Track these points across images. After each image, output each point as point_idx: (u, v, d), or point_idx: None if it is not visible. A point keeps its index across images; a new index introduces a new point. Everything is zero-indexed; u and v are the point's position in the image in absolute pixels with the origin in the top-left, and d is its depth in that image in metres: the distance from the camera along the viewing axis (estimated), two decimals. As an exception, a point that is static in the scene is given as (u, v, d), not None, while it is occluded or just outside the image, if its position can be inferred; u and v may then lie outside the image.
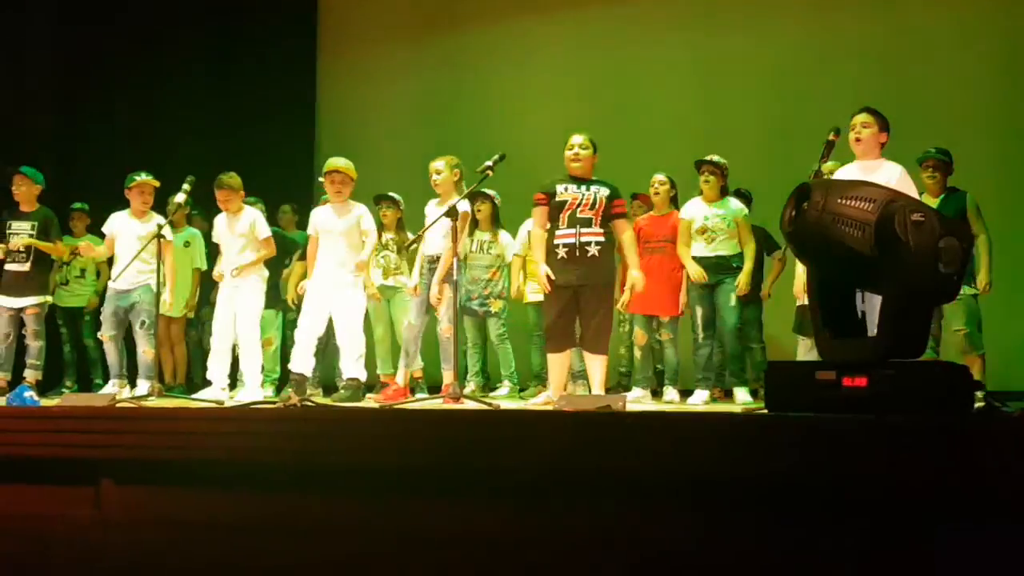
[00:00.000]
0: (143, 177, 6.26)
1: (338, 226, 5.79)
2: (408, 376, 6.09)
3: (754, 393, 5.95)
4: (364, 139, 9.14)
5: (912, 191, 4.40)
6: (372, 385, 6.33)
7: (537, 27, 8.89)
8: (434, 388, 6.17)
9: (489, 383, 7.09)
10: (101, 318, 6.27)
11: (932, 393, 3.12)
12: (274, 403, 5.33)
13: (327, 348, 6.59)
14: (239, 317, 5.87)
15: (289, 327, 6.72)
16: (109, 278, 6.34)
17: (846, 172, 4.73)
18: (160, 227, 5.77)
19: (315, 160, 9.00)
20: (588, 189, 5.20)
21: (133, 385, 6.28)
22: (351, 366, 5.76)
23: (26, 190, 6.58)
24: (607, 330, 5.25)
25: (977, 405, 3.36)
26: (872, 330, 3.62)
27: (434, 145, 6.88)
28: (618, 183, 5.35)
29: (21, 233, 6.54)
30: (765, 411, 3.58)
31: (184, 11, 9.20)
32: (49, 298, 6.88)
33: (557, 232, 5.18)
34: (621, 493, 3.19)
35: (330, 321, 5.80)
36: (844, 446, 2.90)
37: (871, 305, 3.82)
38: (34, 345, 6.53)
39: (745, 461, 3.03)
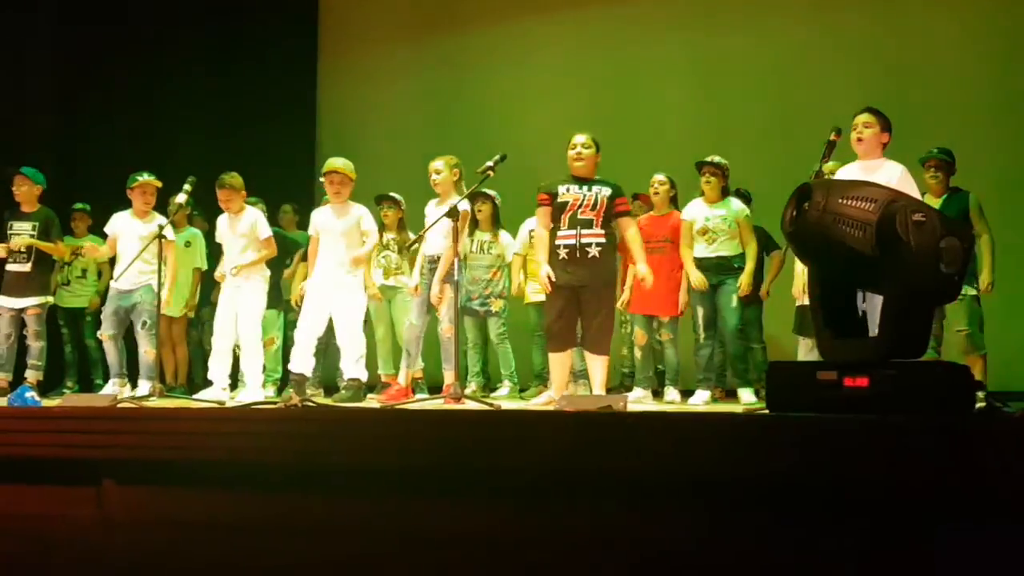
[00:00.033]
0: (145, 177, 6.27)
1: (338, 226, 5.80)
2: (409, 376, 6.09)
3: (756, 393, 5.95)
4: (364, 139, 9.16)
5: (913, 190, 4.39)
6: (373, 385, 6.33)
7: (537, 27, 8.89)
8: (435, 388, 6.17)
9: (490, 383, 7.09)
10: (102, 317, 6.27)
11: (933, 393, 3.12)
12: (275, 403, 5.33)
13: (328, 348, 6.60)
14: (240, 317, 5.88)
15: (291, 327, 6.71)
16: (111, 278, 6.34)
17: (847, 172, 4.72)
18: (162, 227, 5.79)
19: (316, 160, 8.99)
20: (590, 190, 5.20)
21: (134, 385, 6.28)
22: (352, 366, 5.77)
23: (27, 190, 6.59)
24: (608, 330, 5.25)
25: (978, 405, 3.36)
26: (873, 330, 3.62)
27: (434, 145, 6.87)
28: (618, 183, 5.34)
29: (22, 233, 6.55)
30: (766, 411, 3.58)
31: (184, 11, 9.20)
32: (50, 298, 6.88)
33: (558, 233, 5.18)
34: (622, 493, 3.19)
35: (330, 321, 5.81)
36: (845, 446, 2.90)
37: (872, 305, 3.82)
38: (35, 345, 6.54)
39: (746, 461, 3.03)
